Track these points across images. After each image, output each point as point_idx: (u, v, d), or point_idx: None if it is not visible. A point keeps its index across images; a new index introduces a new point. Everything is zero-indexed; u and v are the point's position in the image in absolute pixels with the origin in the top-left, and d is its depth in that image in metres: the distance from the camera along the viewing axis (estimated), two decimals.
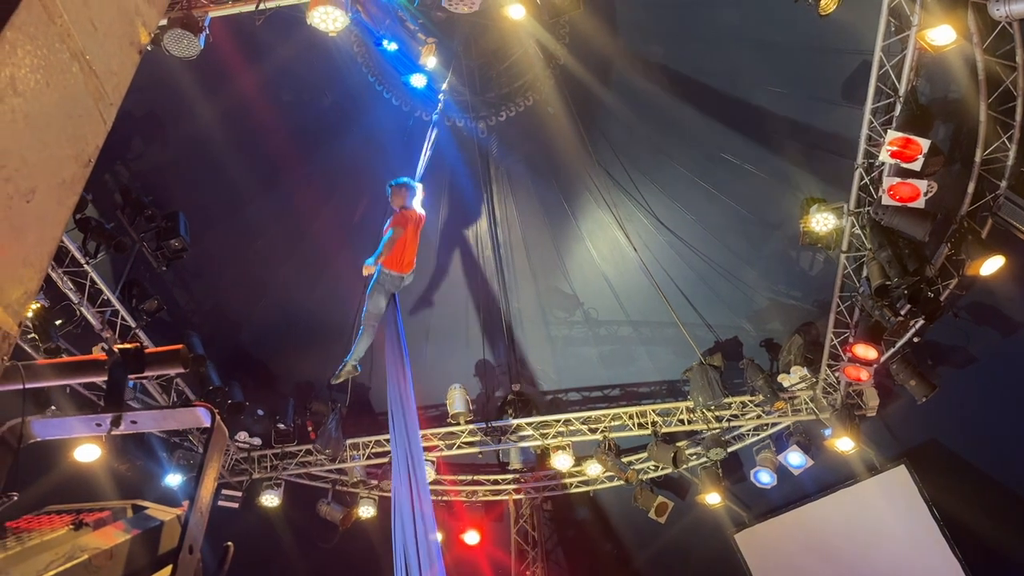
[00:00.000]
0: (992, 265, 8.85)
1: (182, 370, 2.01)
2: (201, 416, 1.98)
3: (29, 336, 9.22)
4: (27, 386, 1.83)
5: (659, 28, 10.33)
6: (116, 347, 2.01)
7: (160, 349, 2.08)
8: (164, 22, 7.76)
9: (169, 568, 1.84)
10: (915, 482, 11.44)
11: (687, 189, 11.39)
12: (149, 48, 7.51)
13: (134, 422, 2.00)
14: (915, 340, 10.41)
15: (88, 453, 9.62)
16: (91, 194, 9.25)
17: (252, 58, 9.85)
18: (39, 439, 2.05)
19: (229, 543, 2.10)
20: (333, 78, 11.13)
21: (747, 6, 9.43)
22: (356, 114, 11.47)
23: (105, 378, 2.00)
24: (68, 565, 1.69)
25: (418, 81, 9.85)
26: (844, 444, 11.16)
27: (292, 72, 10.64)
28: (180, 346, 2.04)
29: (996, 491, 10.90)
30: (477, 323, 12.89)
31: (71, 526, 1.89)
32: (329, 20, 8.05)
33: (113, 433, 2.01)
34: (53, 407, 9.69)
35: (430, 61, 9.47)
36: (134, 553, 1.91)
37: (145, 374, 2.11)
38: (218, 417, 1.98)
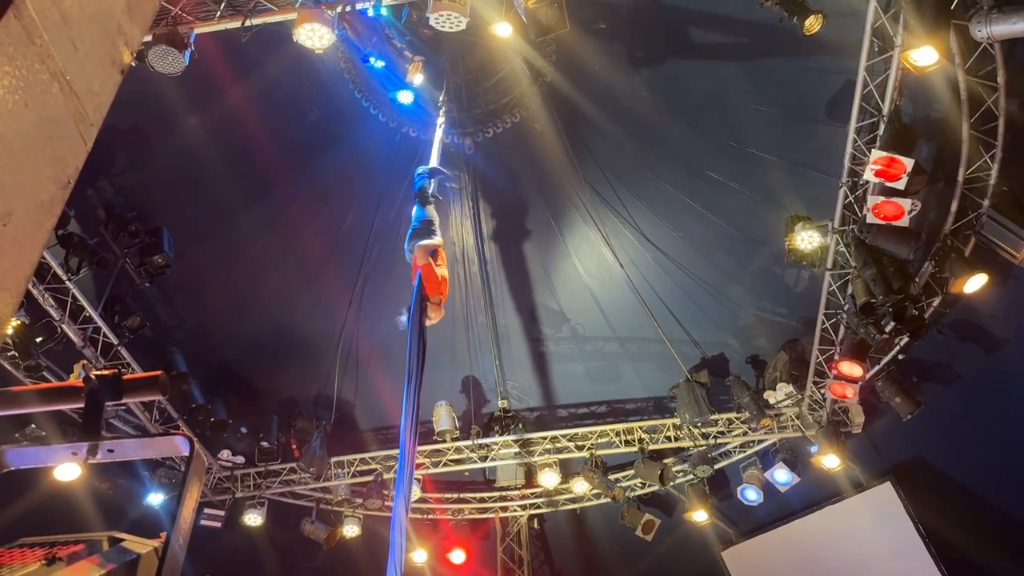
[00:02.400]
0: (975, 283, 8.93)
1: (161, 396, 1.96)
2: (180, 445, 1.93)
3: (9, 354, 9.10)
4: (1, 414, 1.78)
5: (646, 46, 10.38)
6: (93, 373, 1.96)
7: (138, 376, 2.03)
8: (149, 38, 7.71)
9: None
10: (900, 499, 11.46)
11: (673, 206, 11.42)
12: (133, 64, 7.46)
13: (111, 451, 1.95)
14: (900, 357, 10.46)
15: (68, 472, 9.47)
16: (74, 210, 9.16)
17: (238, 74, 9.81)
18: (13, 468, 2.00)
19: None
20: (320, 94, 11.11)
21: (732, 25, 9.49)
22: (343, 130, 11.44)
23: (82, 405, 1.95)
24: None
25: (405, 98, 9.84)
26: (830, 461, 11.18)
27: (279, 88, 10.61)
28: (159, 372, 2.00)
29: (981, 508, 10.93)
30: (464, 339, 12.84)
31: (43, 561, 1.83)
32: (316, 37, 8.04)
33: (90, 461, 1.96)
34: (32, 425, 9.58)
35: (417, 78, 9.46)
36: None
37: (123, 400, 2.06)
38: (197, 446, 1.93)
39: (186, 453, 1.91)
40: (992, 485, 10.88)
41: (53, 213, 1.70)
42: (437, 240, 7.22)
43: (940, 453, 11.25)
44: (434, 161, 8.69)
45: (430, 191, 8.05)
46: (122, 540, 2.10)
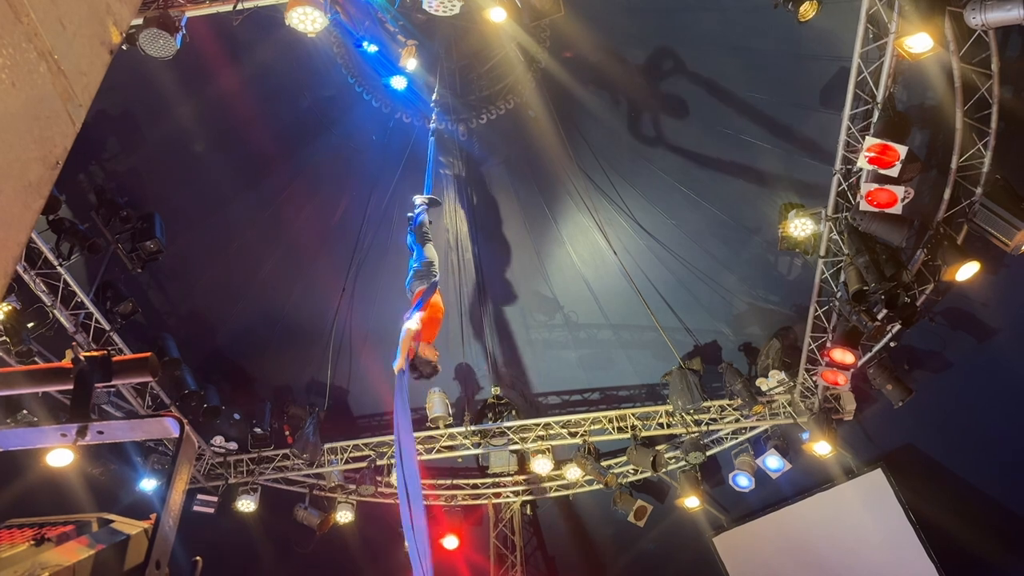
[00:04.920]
0: (967, 271, 8.95)
1: (151, 379, 1.95)
2: (169, 426, 1.92)
3: (0, 339, 9.06)
4: None
5: (640, 33, 10.35)
6: (83, 355, 1.95)
7: (128, 357, 2.02)
8: (140, 21, 7.65)
9: None
10: (891, 486, 11.53)
11: (667, 194, 11.42)
12: (124, 48, 7.41)
13: (100, 432, 1.94)
14: (892, 345, 10.51)
15: (60, 458, 9.47)
16: (65, 195, 9.11)
17: (230, 58, 9.76)
18: (1, 450, 1.99)
19: (198, 558, 2.04)
20: (312, 79, 11.05)
21: (727, 12, 9.46)
22: (336, 115, 11.40)
23: (71, 387, 1.94)
24: None
25: (398, 83, 9.80)
26: (821, 448, 11.22)
27: (271, 72, 10.55)
28: (148, 354, 1.99)
29: (971, 495, 11.00)
30: (457, 326, 12.84)
31: (32, 542, 1.83)
32: (308, 21, 7.99)
33: (79, 444, 1.95)
34: (24, 411, 9.55)
35: (410, 63, 9.41)
36: (98, 569, 1.85)
37: (113, 382, 2.06)
38: (187, 427, 1.93)
39: (176, 435, 1.91)
40: (982, 472, 10.94)
41: (41, 194, 1.69)
42: (436, 281, 7.29)
43: (931, 440, 11.30)
44: (428, 189, 8.71)
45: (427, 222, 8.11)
46: (111, 521, 2.09)
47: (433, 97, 10.29)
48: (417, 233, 7.92)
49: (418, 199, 8.41)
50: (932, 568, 11.27)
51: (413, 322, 6.65)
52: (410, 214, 8.35)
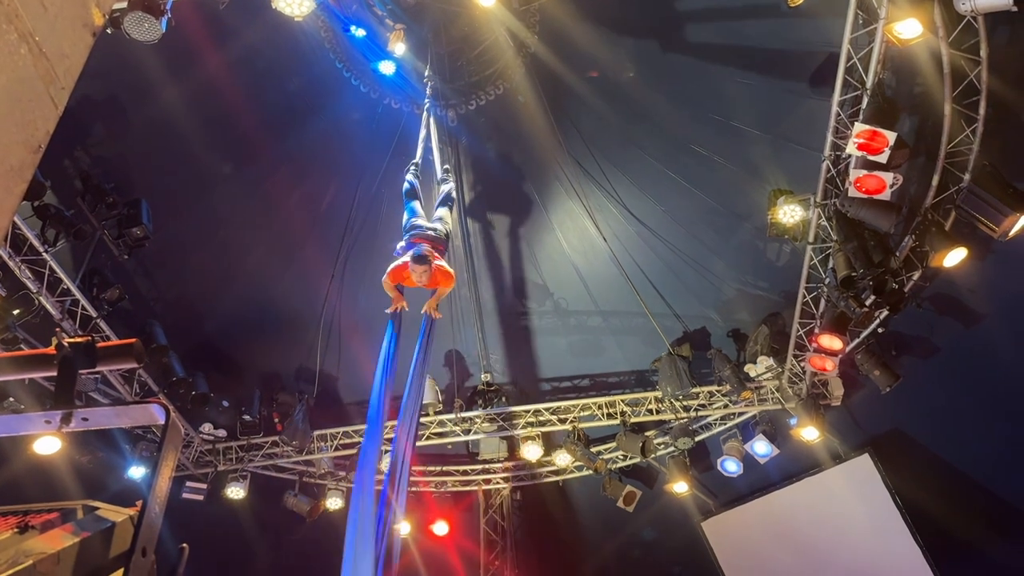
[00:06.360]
0: (955, 257, 8.99)
1: (136, 365, 1.93)
2: (155, 413, 1.91)
3: None
4: None
5: (628, 18, 10.31)
6: (67, 341, 1.93)
7: (112, 343, 2.01)
8: (124, 4, 7.54)
9: (120, 572, 1.77)
10: (878, 471, 11.61)
11: (657, 180, 11.41)
12: (109, 32, 7.32)
13: (85, 419, 1.92)
14: (879, 331, 10.56)
15: (48, 445, 9.43)
16: (50, 181, 9.01)
17: (217, 42, 9.64)
18: None
19: (184, 545, 2.03)
20: (300, 64, 10.96)
21: None
22: (323, 101, 11.32)
23: (55, 373, 1.92)
24: (11, 572, 1.62)
25: (387, 68, 9.73)
26: (809, 433, 11.29)
27: (258, 57, 10.45)
28: (134, 340, 1.97)
29: (957, 479, 11.10)
30: (447, 314, 12.82)
31: (16, 529, 1.81)
32: (295, 5, 7.94)
33: (64, 430, 1.93)
34: (11, 399, 9.50)
35: (399, 47, 9.35)
36: (83, 557, 1.84)
37: (97, 369, 2.04)
38: (172, 414, 1.91)
39: (161, 421, 1.89)
40: (968, 457, 11.04)
41: (23, 178, 1.67)
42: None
43: (918, 425, 11.39)
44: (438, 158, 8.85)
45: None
46: (97, 508, 2.08)
47: (426, 72, 10.21)
48: (447, 199, 8.29)
49: (450, 173, 8.64)
50: (918, 551, 11.38)
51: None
52: (408, 171, 8.57)
